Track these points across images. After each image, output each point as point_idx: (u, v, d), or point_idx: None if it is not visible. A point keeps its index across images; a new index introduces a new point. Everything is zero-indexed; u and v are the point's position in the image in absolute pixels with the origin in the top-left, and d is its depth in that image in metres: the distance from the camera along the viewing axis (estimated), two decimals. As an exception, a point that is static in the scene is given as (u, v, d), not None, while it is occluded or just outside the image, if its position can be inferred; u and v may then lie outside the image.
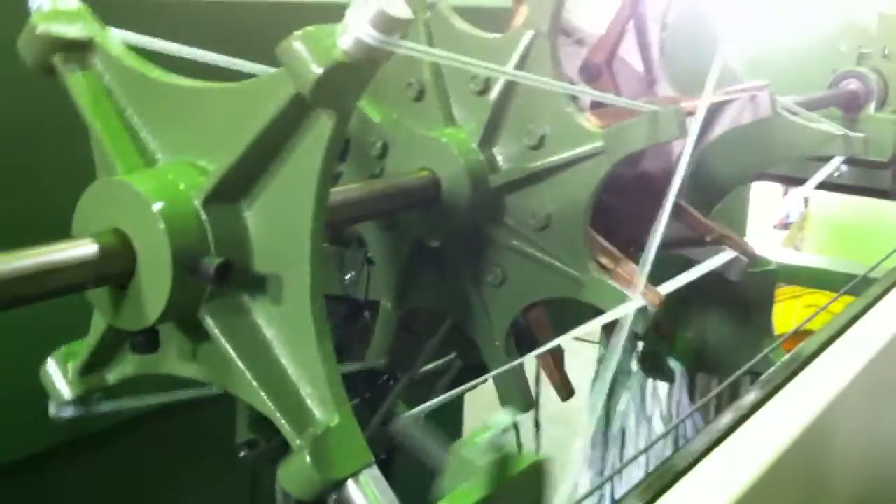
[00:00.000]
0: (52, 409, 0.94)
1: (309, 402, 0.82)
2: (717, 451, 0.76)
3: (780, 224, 6.13)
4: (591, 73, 1.31)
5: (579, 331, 1.05)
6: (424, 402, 1.12)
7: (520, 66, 1.08)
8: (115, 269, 0.78)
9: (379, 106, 1.20)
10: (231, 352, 0.82)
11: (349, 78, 0.73)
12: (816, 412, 0.81)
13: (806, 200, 5.60)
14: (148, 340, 0.83)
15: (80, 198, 0.81)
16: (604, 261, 1.12)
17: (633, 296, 1.09)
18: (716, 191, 1.67)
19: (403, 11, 0.72)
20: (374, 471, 0.82)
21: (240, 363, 0.82)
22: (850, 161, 2.54)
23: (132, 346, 0.83)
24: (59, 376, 0.93)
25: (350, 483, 0.80)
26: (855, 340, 0.97)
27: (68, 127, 0.86)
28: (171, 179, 0.80)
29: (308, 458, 0.78)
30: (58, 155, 0.93)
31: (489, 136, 1.13)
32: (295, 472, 0.79)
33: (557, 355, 1.21)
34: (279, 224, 0.81)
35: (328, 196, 0.80)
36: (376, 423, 1.42)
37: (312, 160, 0.77)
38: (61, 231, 0.80)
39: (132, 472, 1.38)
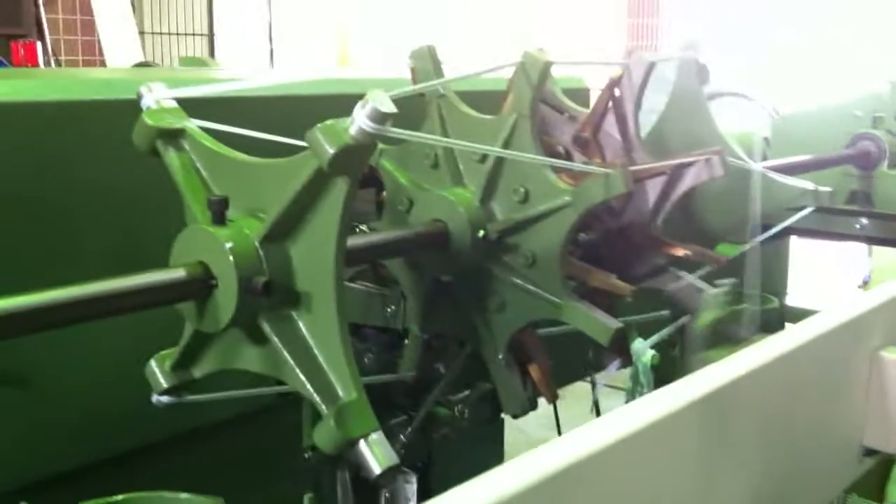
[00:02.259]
0: (154, 398, 1.28)
1: (334, 383, 1.13)
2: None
3: (862, 282, 6.26)
4: (581, 143, 1.62)
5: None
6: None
7: (506, 141, 1.41)
8: (199, 288, 1.12)
9: (406, 172, 1.53)
10: (281, 348, 1.15)
11: (354, 154, 1.06)
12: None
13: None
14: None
15: (175, 240, 1.16)
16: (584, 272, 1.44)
17: (607, 322, 1.39)
18: (707, 239, 1.95)
19: (390, 108, 1.05)
20: (380, 434, 1.13)
21: (287, 356, 1.14)
22: (869, 215, 2.80)
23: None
24: (158, 372, 1.27)
25: (361, 442, 1.11)
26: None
27: (166, 191, 1.21)
28: (238, 226, 1.14)
29: (332, 423, 1.10)
30: (161, 211, 1.27)
31: (487, 194, 1.44)
32: (324, 432, 1.10)
33: (545, 367, 1.51)
34: (313, 256, 1.13)
35: (346, 235, 1.13)
36: (415, 430, 1.72)
37: (334, 211, 1.10)
38: (163, 263, 1.15)
39: (215, 470, 1.70)
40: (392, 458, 1.12)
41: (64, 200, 1.57)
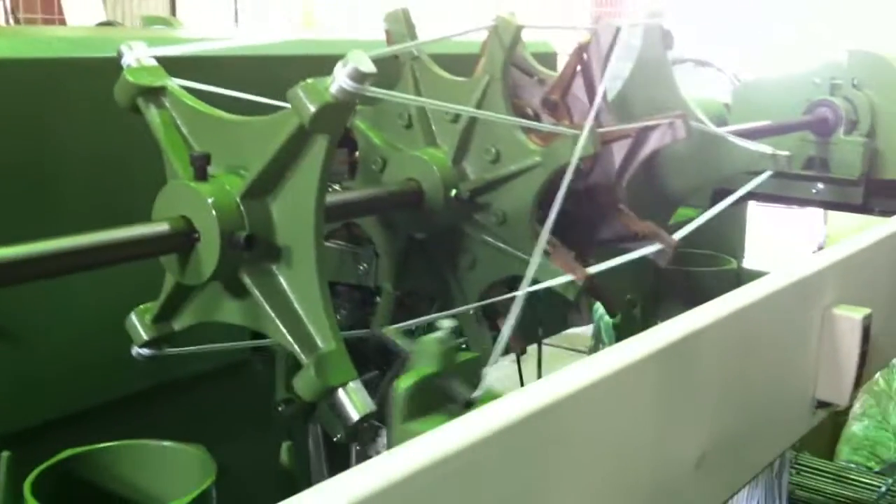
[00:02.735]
0: (134, 351, 1.31)
1: (314, 334, 1.17)
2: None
3: (818, 247, 6.40)
4: (550, 106, 1.67)
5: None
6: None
7: (479, 102, 1.45)
8: (182, 242, 1.16)
9: (380, 132, 1.57)
10: (262, 301, 1.18)
11: (335, 113, 1.10)
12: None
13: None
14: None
15: (157, 195, 1.19)
16: (549, 247, 1.47)
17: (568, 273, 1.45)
18: (669, 203, 2.01)
19: (370, 68, 1.08)
20: (358, 384, 1.17)
21: (268, 309, 1.18)
22: (826, 180, 2.88)
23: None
24: (139, 325, 1.30)
25: (340, 390, 1.15)
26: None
27: (148, 148, 1.24)
28: (219, 182, 1.17)
29: (312, 371, 1.14)
30: (143, 167, 1.30)
31: (460, 154, 1.49)
32: (304, 381, 1.14)
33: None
34: (293, 211, 1.16)
35: (326, 191, 1.16)
36: (387, 385, 1.77)
37: (314, 169, 1.13)
38: (146, 216, 1.18)
39: (192, 421, 1.74)
40: (369, 406, 1.17)
41: (39, 160, 1.59)
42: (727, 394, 1.30)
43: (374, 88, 1.10)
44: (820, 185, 2.86)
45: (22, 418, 1.48)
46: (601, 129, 1.45)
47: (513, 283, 1.54)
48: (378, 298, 1.69)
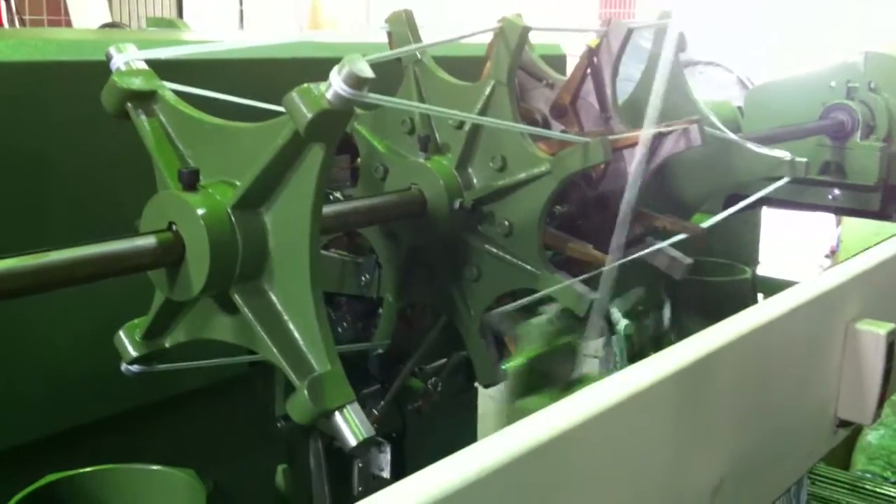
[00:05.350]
0: (123, 367, 1.26)
1: (308, 355, 1.11)
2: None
3: (831, 251, 6.31)
4: (559, 111, 1.61)
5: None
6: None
7: (484, 108, 1.38)
8: (170, 255, 1.09)
9: (381, 139, 1.51)
10: (253, 320, 1.12)
11: (331, 120, 1.03)
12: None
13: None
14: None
15: (146, 205, 1.13)
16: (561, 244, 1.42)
17: (584, 292, 1.38)
18: (682, 210, 1.94)
19: (368, 73, 1.02)
20: (356, 406, 1.11)
21: (259, 328, 1.12)
22: (842, 186, 2.81)
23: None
24: (127, 341, 1.24)
25: (336, 414, 1.09)
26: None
27: (137, 156, 1.18)
28: (210, 193, 1.11)
29: (306, 394, 1.08)
30: (130, 175, 1.24)
31: (464, 161, 1.42)
32: (297, 404, 1.08)
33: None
34: (287, 224, 1.10)
35: (322, 203, 1.10)
36: (388, 401, 1.71)
37: (309, 178, 1.07)
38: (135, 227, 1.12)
39: (187, 440, 1.68)
40: (368, 431, 1.11)
41: (34, 164, 1.53)
42: (745, 416, 1.24)
43: (372, 94, 1.04)
44: (836, 191, 2.79)
45: (3, 438, 1.42)
46: (612, 137, 1.38)
47: (520, 296, 1.48)
48: (380, 310, 1.64)
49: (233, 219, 1.10)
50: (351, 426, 1.09)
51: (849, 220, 5.55)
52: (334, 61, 1.03)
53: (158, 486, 1.31)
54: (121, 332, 1.24)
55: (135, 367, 1.24)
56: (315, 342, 1.11)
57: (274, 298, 1.13)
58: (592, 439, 0.95)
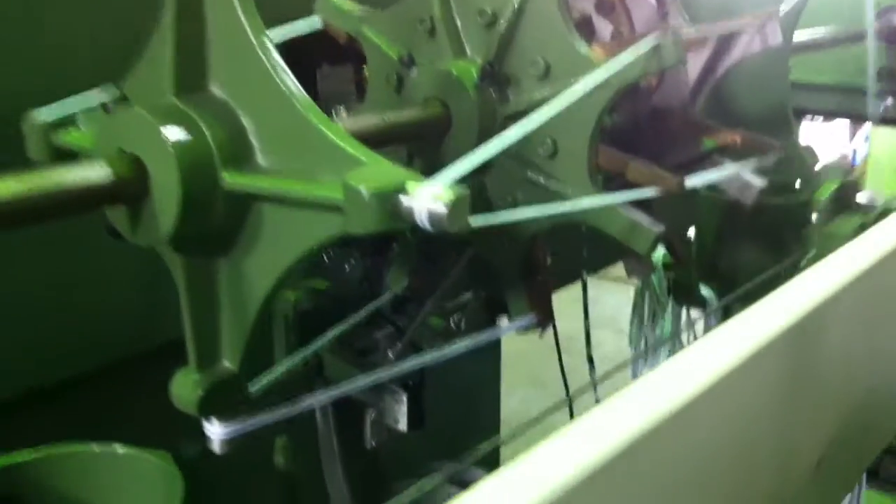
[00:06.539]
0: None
1: (223, 350, 0.90)
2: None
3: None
4: (605, 8, 1.34)
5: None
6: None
7: (522, 2, 1.12)
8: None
9: (395, 44, 1.25)
10: (181, 284, 0.90)
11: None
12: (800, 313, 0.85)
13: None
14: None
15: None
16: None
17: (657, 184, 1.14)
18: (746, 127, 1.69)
19: None
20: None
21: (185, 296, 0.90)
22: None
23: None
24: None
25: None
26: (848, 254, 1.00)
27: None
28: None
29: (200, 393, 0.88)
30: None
31: (497, 68, 1.17)
32: (182, 390, 0.89)
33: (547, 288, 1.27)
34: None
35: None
36: (406, 343, 1.49)
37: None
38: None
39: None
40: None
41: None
42: (853, 374, 1.01)
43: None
44: (889, 101, 2.53)
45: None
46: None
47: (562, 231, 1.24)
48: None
49: None
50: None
51: (878, 132, 5.28)
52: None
53: (127, 471, 1.06)
54: None
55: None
56: (237, 343, 0.90)
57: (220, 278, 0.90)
58: (684, 426, 0.73)
